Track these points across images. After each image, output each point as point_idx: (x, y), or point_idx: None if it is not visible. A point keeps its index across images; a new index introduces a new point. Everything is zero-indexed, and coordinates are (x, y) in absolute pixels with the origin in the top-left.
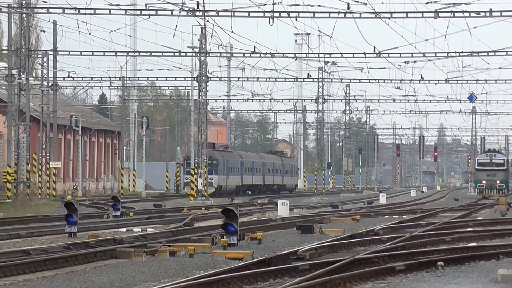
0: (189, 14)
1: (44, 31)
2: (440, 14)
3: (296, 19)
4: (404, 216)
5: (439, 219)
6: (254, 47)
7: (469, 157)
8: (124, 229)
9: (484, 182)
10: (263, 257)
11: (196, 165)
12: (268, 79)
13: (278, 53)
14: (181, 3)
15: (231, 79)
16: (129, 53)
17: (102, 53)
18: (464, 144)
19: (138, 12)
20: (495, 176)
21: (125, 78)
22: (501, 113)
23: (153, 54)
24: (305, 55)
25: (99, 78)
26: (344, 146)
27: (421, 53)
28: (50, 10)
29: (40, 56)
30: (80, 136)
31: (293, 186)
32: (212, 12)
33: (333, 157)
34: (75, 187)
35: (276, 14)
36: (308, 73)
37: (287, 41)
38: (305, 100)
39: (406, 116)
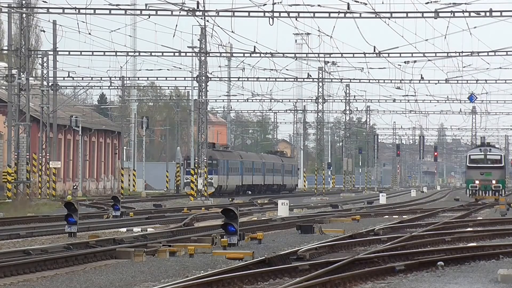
0: (189, 14)
1: (44, 31)
2: (440, 14)
3: (296, 19)
4: (404, 216)
5: (439, 219)
6: (254, 47)
7: None
8: (124, 229)
9: (477, 182)
10: (263, 257)
11: (196, 165)
12: (268, 79)
13: (278, 53)
14: (181, 3)
15: (231, 79)
16: (129, 53)
17: (102, 53)
18: (464, 144)
19: (138, 12)
20: (491, 175)
21: (125, 78)
22: (501, 113)
23: (153, 54)
24: (305, 55)
25: (99, 78)
26: (344, 146)
27: (421, 53)
28: (50, 10)
29: (40, 56)
30: (80, 136)
31: (293, 186)
32: (212, 12)
33: (333, 157)
34: (75, 187)
35: (276, 14)
36: (308, 73)
37: (287, 41)
38: (305, 100)
39: (406, 116)
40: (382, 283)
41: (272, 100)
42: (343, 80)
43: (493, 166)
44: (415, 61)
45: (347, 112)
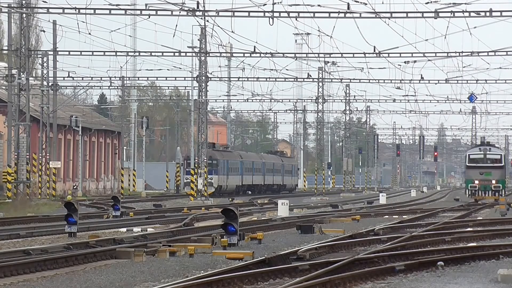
0: (189, 14)
1: (44, 31)
2: (440, 14)
3: (296, 19)
4: (404, 216)
5: (439, 219)
6: (254, 47)
7: None
8: (124, 229)
9: (477, 182)
10: (263, 257)
11: (196, 165)
12: (268, 79)
13: (278, 53)
14: (181, 3)
15: (231, 79)
16: (129, 53)
17: (102, 53)
18: (464, 144)
19: (138, 12)
20: (491, 175)
21: (125, 78)
22: (501, 113)
23: (153, 54)
24: (305, 55)
25: (99, 78)
26: (344, 146)
27: (421, 53)
28: (50, 10)
29: (40, 56)
30: (80, 136)
31: (293, 186)
32: (212, 12)
33: (333, 157)
34: (75, 187)
35: (276, 14)
36: (308, 73)
37: (287, 41)
38: (305, 100)
39: (406, 116)
40: (382, 283)
41: (272, 100)
42: (343, 80)
43: (493, 166)
44: (415, 61)
45: (347, 112)
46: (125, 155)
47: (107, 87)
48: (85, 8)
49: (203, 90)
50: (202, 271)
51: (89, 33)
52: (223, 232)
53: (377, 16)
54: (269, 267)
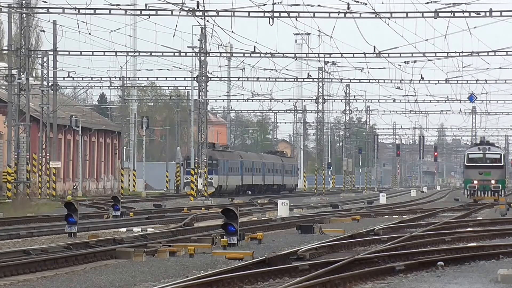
0: (189, 14)
1: (44, 31)
2: (440, 14)
3: (296, 19)
4: (404, 216)
5: (439, 219)
6: (254, 47)
7: None
8: (124, 229)
9: (476, 182)
10: (263, 257)
11: (196, 165)
12: (268, 79)
13: (278, 53)
14: (181, 3)
15: (231, 79)
16: (129, 53)
17: (102, 53)
18: (464, 144)
19: (138, 12)
20: (490, 175)
21: (125, 78)
22: (501, 113)
23: (153, 54)
24: (305, 55)
25: (99, 78)
26: (344, 146)
27: (421, 53)
28: (50, 10)
29: (40, 56)
30: (80, 136)
31: (293, 186)
32: (212, 12)
33: (333, 157)
34: (75, 187)
35: (276, 14)
36: (308, 73)
37: (287, 41)
38: (305, 100)
39: (406, 116)
40: (382, 283)
41: (272, 100)
42: (343, 80)
43: (492, 166)
44: (415, 61)
45: (347, 112)
46: (125, 155)
47: (107, 87)
48: (85, 8)
49: (203, 90)
50: (202, 271)
51: (89, 33)
52: (223, 232)
53: (377, 16)
54: (269, 267)
